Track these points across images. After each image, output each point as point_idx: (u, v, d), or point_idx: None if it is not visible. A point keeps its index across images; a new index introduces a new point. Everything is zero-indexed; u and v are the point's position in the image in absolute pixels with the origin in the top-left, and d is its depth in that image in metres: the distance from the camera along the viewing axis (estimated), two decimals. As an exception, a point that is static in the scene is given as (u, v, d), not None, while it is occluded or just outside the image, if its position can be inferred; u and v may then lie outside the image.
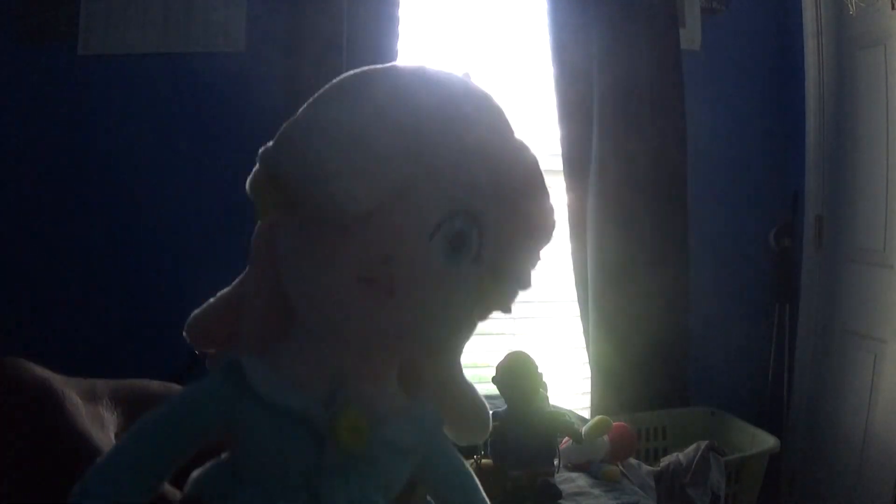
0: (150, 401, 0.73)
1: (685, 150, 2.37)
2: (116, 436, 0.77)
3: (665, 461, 1.93)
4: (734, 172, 2.58)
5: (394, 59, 2.20)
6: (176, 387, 0.76)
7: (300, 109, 0.67)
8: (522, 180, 0.69)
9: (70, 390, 0.79)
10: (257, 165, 0.70)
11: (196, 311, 0.71)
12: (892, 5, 2.09)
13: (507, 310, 0.67)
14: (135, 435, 0.64)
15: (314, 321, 0.66)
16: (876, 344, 2.19)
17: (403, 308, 0.63)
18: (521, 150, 0.73)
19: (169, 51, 2.19)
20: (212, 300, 0.72)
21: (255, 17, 2.20)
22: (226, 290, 0.73)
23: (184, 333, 0.76)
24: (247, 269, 0.76)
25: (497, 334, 2.57)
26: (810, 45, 2.44)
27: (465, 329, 0.71)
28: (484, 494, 0.75)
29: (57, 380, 0.79)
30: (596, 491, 1.63)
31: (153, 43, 2.19)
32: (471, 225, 0.64)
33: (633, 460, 1.85)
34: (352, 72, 0.72)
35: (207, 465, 0.70)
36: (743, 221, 2.60)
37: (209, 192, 2.12)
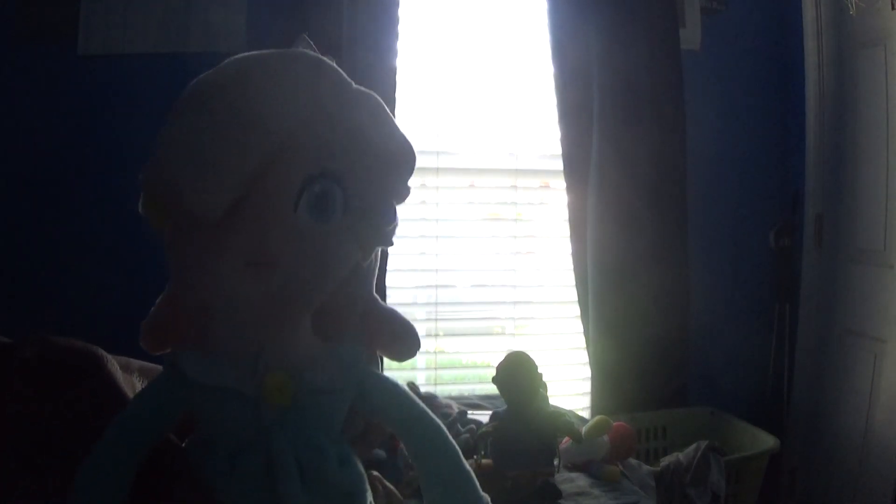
0: None
1: (685, 150, 2.37)
2: None
3: (665, 461, 1.93)
4: (734, 172, 2.58)
5: (394, 59, 2.20)
6: None
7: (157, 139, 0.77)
8: (369, 127, 0.79)
9: (111, 358, 0.93)
10: (141, 189, 0.79)
11: (143, 322, 0.85)
12: (892, 5, 2.09)
13: (387, 243, 0.81)
14: (108, 441, 0.77)
15: (220, 308, 0.77)
16: (876, 344, 2.18)
17: (289, 275, 0.73)
18: (359, 100, 0.81)
19: (169, 51, 2.19)
20: (153, 310, 0.86)
21: (255, 17, 2.20)
22: (160, 297, 0.86)
23: (141, 344, 0.86)
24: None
25: (497, 334, 2.58)
26: (810, 45, 2.44)
27: (358, 270, 0.81)
28: (418, 402, 0.86)
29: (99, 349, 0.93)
30: (596, 491, 1.63)
31: (153, 43, 2.19)
32: (332, 183, 0.74)
33: (633, 460, 1.85)
34: (198, 79, 0.84)
35: (187, 440, 0.84)
36: (743, 221, 2.60)
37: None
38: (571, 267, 2.40)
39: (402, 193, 0.83)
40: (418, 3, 2.36)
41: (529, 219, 2.56)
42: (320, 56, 0.81)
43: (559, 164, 2.37)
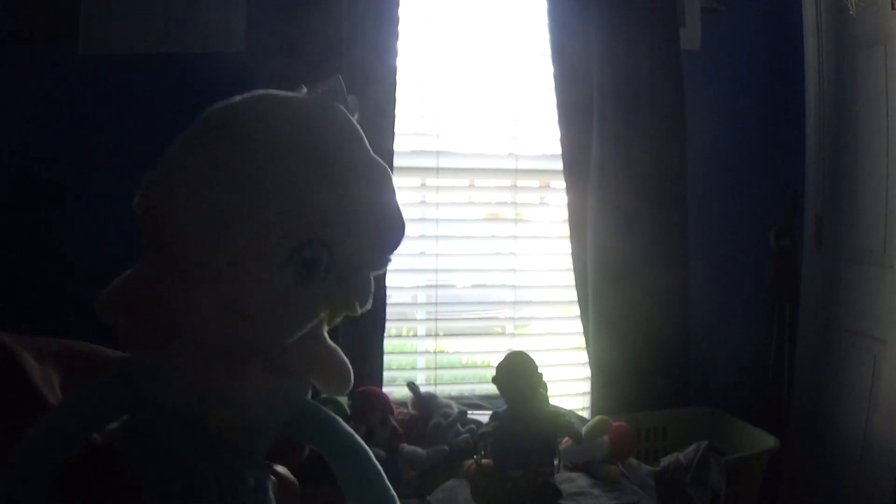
0: (85, 361, 0.89)
1: (685, 150, 2.37)
2: (62, 389, 0.89)
3: (665, 461, 1.93)
4: (734, 172, 2.58)
5: (394, 59, 2.20)
6: (104, 350, 0.89)
7: (169, 153, 0.76)
8: (369, 199, 0.80)
9: (24, 352, 0.89)
10: (139, 194, 0.76)
11: (105, 290, 0.83)
12: (892, 5, 2.09)
13: (353, 313, 0.82)
14: (43, 429, 0.77)
15: (189, 335, 0.78)
16: (876, 344, 2.18)
17: (257, 326, 0.77)
18: (368, 169, 0.81)
19: (169, 51, 2.19)
20: (116, 282, 0.84)
21: (255, 17, 2.20)
22: (127, 273, 0.85)
23: (95, 308, 0.85)
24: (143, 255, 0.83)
25: (497, 334, 2.58)
26: (810, 45, 2.44)
27: (319, 325, 0.82)
28: (351, 433, 0.87)
29: (11, 341, 0.89)
30: (596, 491, 1.64)
31: (153, 43, 2.19)
32: (321, 250, 0.76)
33: (633, 460, 1.86)
34: (214, 115, 0.77)
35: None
36: (743, 221, 2.60)
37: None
38: (571, 267, 2.40)
39: (382, 266, 0.85)
40: (418, 3, 2.36)
41: (529, 219, 2.56)
42: (348, 112, 0.82)
43: (559, 164, 2.37)
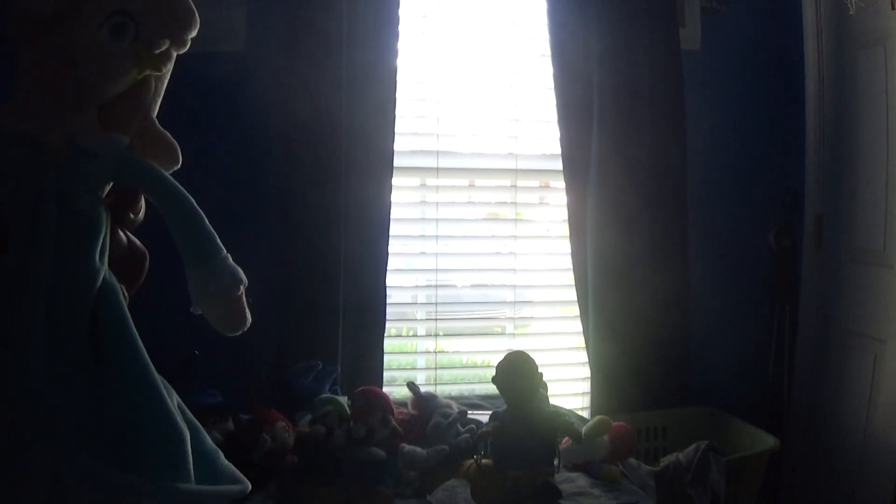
0: None
1: (685, 150, 2.37)
2: None
3: (665, 461, 1.93)
4: (734, 172, 2.58)
5: (394, 59, 2.20)
6: None
7: None
8: None
9: None
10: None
11: None
12: (892, 5, 2.09)
13: (157, 69, 1.23)
14: None
15: (31, 90, 1.15)
16: (876, 344, 2.18)
17: (81, 73, 1.16)
18: None
19: (169, 51, 2.19)
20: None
21: (255, 17, 2.20)
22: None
23: None
24: None
25: (497, 334, 2.58)
26: (810, 45, 2.44)
27: (140, 90, 1.23)
28: (168, 177, 1.25)
29: None
30: (596, 491, 1.64)
31: (153, 43, 2.20)
32: (128, 19, 1.17)
33: (633, 460, 1.86)
34: None
35: None
36: (743, 221, 2.60)
37: (207, 191, 2.10)
38: (571, 267, 2.40)
39: (179, 42, 1.25)
40: (418, 3, 2.36)
41: (529, 219, 2.56)
42: None
43: (559, 164, 2.37)
